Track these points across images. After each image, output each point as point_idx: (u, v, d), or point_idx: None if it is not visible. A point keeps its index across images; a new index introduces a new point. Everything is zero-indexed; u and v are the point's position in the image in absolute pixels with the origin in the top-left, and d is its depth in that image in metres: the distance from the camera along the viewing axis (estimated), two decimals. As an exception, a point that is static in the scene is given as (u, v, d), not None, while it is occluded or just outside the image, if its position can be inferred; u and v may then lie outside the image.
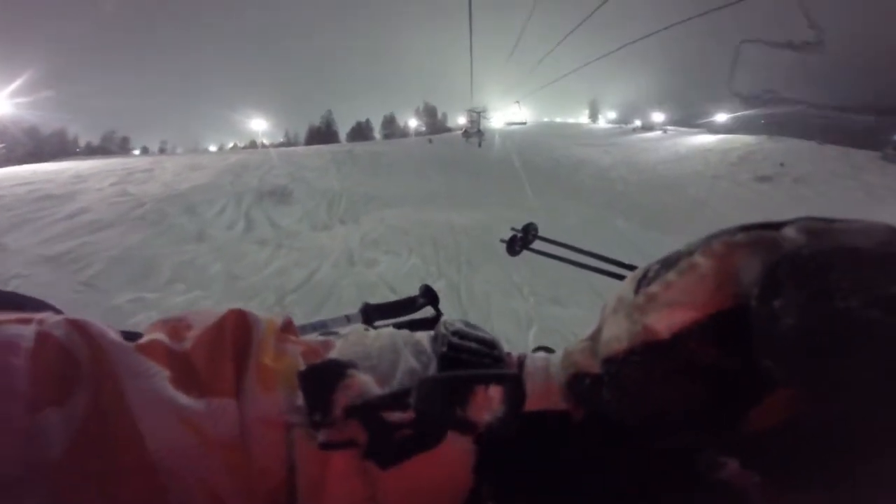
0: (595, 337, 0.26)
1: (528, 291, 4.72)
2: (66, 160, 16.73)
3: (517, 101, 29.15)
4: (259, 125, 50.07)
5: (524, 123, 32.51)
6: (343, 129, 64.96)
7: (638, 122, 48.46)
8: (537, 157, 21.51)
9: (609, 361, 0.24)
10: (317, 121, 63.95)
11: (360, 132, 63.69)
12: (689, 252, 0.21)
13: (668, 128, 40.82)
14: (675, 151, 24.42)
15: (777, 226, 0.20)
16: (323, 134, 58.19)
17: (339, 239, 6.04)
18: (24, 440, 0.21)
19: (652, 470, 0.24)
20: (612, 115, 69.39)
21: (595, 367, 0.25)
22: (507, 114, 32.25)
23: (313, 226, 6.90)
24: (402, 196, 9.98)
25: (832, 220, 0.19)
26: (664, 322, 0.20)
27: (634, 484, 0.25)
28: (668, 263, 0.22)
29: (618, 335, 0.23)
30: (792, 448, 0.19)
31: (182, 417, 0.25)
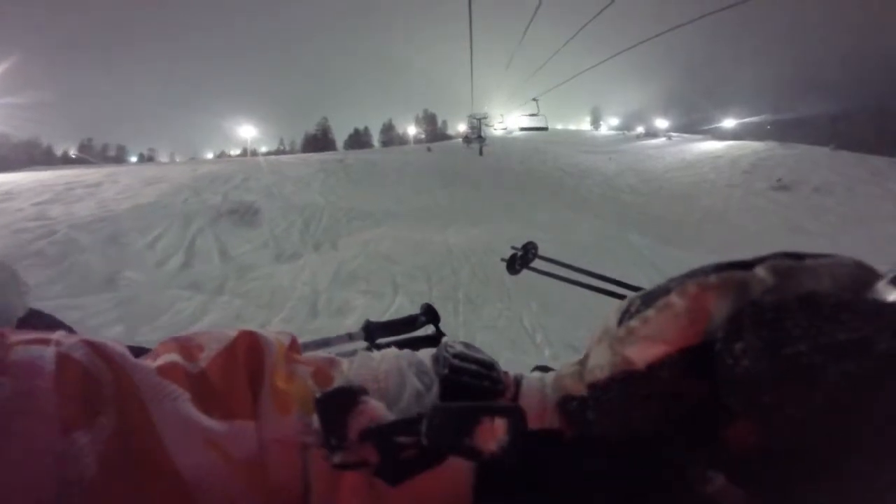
0: (583, 362, 0.28)
1: (541, 339, 3.80)
2: (30, 170, 15.54)
3: (535, 99, 20.32)
4: (248, 132, 48.76)
5: (545, 129, 23.18)
6: (342, 137, 64.33)
7: (641, 129, 47.96)
8: (542, 166, 20.61)
9: (593, 387, 0.26)
10: (314, 128, 63.21)
11: (358, 140, 63.05)
12: (667, 290, 0.23)
13: (673, 134, 40.25)
14: (681, 158, 23.64)
15: (750, 265, 0.21)
16: (319, 141, 57.37)
17: (305, 273, 4.90)
18: (56, 463, 0.22)
19: (642, 485, 0.26)
20: (615, 121, 69.16)
21: (582, 391, 0.27)
22: (520, 117, 22.88)
23: (278, 254, 5.70)
24: (393, 212, 8.92)
25: (803, 258, 0.21)
26: (640, 354, 0.23)
27: (627, 498, 0.26)
28: (648, 300, 0.24)
29: (600, 364, 0.25)
30: (766, 467, 0.21)
31: (207, 439, 0.26)
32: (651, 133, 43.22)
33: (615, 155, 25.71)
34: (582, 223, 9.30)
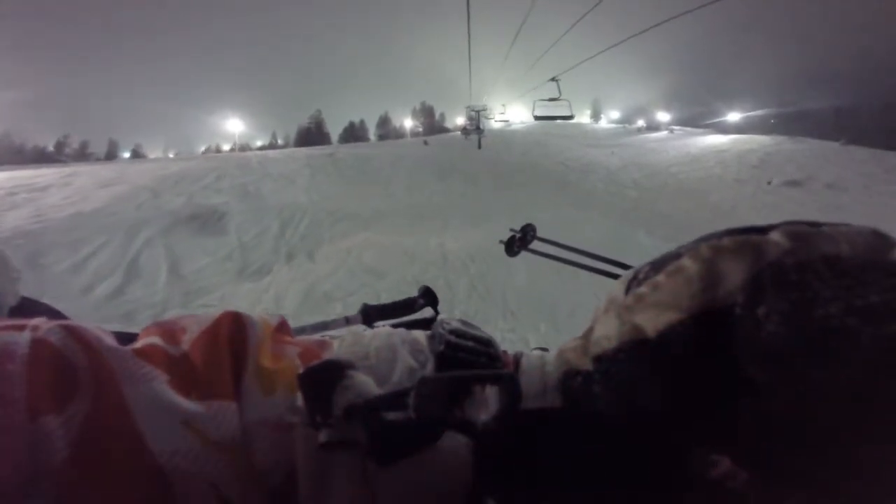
0: (587, 336, 0.27)
1: (554, 371, 3.03)
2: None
3: (555, 79, 14.83)
4: (237, 126, 47.50)
5: (570, 118, 17.72)
6: (337, 131, 63.14)
7: (642, 122, 47.18)
8: (544, 160, 19.74)
9: (599, 359, 0.25)
10: (307, 121, 61.95)
11: (353, 133, 61.85)
12: (678, 255, 0.22)
13: (675, 127, 39.53)
14: (686, 152, 22.91)
15: (764, 230, 0.20)
16: (313, 135, 56.19)
17: (270, 295, 4.14)
18: (25, 447, 0.21)
19: (645, 466, 0.25)
20: (615, 114, 68.32)
21: (586, 365, 0.26)
22: (535, 101, 16.93)
23: (242, 269, 4.82)
24: (385, 212, 8.14)
25: (819, 225, 0.20)
26: (651, 322, 0.21)
27: (630, 480, 0.26)
28: (658, 265, 0.23)
29: (608, 334, 0.24)
30: (779, 446, 0.20)
31: (184, 421, 0.26)
32: (652, 126, 42.47)
33: (617, 149, 24.96)
34: (587, 223, 8.59)
